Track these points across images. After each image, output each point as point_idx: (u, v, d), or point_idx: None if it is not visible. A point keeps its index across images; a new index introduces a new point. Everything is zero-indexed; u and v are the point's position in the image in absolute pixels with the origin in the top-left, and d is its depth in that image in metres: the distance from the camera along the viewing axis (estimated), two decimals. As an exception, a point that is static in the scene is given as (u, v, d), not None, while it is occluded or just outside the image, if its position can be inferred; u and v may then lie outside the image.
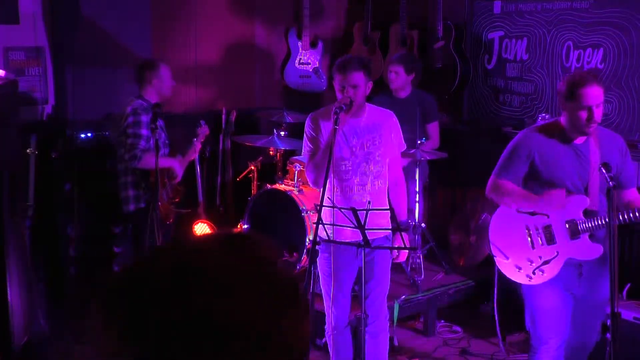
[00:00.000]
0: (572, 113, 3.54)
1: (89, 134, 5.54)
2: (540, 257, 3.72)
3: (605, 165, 3.37)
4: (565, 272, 3.71)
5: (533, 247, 3.74)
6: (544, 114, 5.68)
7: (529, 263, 3.75)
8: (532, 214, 3.74)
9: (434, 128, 5.67)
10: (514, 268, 3.80)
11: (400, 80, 5.57)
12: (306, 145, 4.02)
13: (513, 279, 3.84)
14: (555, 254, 3.69)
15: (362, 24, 6.72)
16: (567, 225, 3.66)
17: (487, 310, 5.68)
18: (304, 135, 4.05)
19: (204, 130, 5.24)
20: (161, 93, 4.92)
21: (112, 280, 1.00)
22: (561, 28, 5.60)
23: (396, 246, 3.99)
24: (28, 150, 5.17)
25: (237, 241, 1.04)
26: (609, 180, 3.27)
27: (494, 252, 3.88)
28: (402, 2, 6.32)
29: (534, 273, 3.74)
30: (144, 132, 4.69)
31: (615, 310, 3.26)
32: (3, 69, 5.08)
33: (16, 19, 5.49)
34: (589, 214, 3.64)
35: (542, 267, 3.72)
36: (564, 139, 3.65)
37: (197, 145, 5.17)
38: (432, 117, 5.66)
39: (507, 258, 3.82)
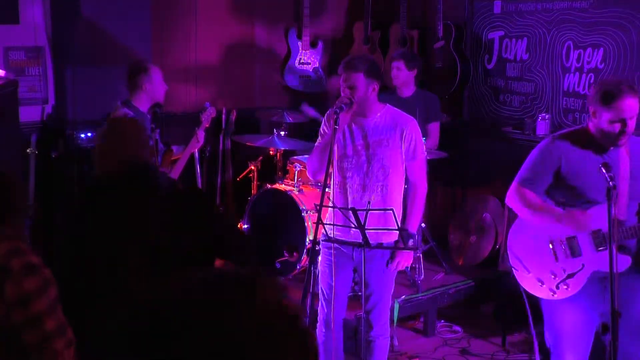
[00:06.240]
0: (604, 123, 3.33)
1: (89, 134, 5.53)
2: (564, 270, 3.50)
3: (605, 165, 3.35)
4: (590, 288, 3.47)
5: (557, 260, 3.52)
6: (544, 114, 5.69)
7: (552, 276, 3.53)
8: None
9: (434, 128, 5.65)
10: (536, 282, 3.57)
11: (402, 75, 5.54)
12: (318, 140, 4.04)
13: (535, 293, 3.60)
14: (581, 266, 3.48)
15: (362, 23, 6.71)
16: (592, 236, 3.45)
17: (487, 310, 5.69)
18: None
19: (210, 112, 5.00)
20: (154, 99, 4.62)
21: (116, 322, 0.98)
22: (561, 28, 5.60)
23: (395, 247, 3.97)
24: (28, 150, 5.17)
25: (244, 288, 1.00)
26: (608, 180, 3.25)
27: (514, 264, 3.63)
28: (402, 2, 6.32)
29: (557, 287, 3.52)
30: None
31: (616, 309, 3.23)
32: (3, 69, 5.08)
33: (16, 19, 5.49)
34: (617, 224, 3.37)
35: (567, 281, 3.49)
36: (593, 147, 3.43)
37: (200, 133, 4.88)
38: (434, 117, 5.64)
39: (529, 271, 3.59)
